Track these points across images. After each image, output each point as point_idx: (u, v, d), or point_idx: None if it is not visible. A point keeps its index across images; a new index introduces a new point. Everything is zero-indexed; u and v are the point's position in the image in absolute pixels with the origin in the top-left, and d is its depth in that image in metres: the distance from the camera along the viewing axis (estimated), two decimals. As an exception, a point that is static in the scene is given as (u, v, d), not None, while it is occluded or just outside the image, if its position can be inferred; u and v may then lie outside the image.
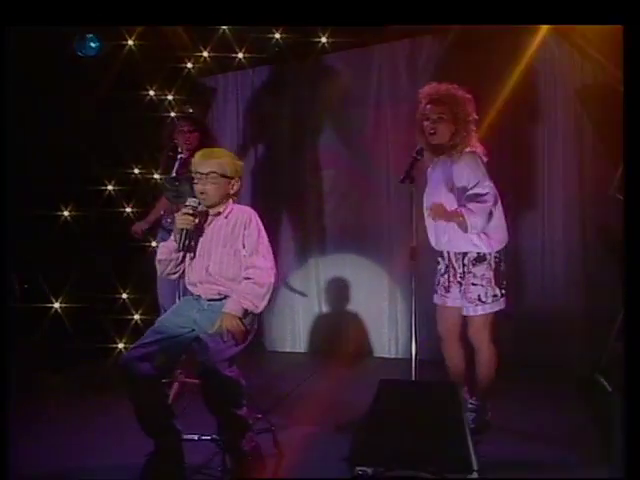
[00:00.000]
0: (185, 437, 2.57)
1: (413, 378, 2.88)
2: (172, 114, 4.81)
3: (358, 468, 1.64)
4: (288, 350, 5.03)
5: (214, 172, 2.59)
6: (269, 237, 5.13)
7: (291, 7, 3.01)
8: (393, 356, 4.74)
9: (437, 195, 3.01)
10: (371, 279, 4.77)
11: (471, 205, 2.87)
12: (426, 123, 2.98)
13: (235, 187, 2.69)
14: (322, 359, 4.69)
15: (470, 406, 3.05)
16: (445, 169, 3.03)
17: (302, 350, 5.00)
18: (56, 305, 4.79)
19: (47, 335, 4.43)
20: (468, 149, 2.98)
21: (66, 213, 5.03)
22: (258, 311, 2.58)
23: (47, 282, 4.71)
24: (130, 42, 4.72)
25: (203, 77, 5.08)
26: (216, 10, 3.01)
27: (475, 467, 1.58)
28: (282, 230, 5.05)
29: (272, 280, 2.60)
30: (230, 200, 2.69)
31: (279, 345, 5.07)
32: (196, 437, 2.65)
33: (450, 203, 2.95)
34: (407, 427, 1.67)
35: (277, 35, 4.63)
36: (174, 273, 2.70)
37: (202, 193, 2.59)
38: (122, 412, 2.50)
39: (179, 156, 3.59)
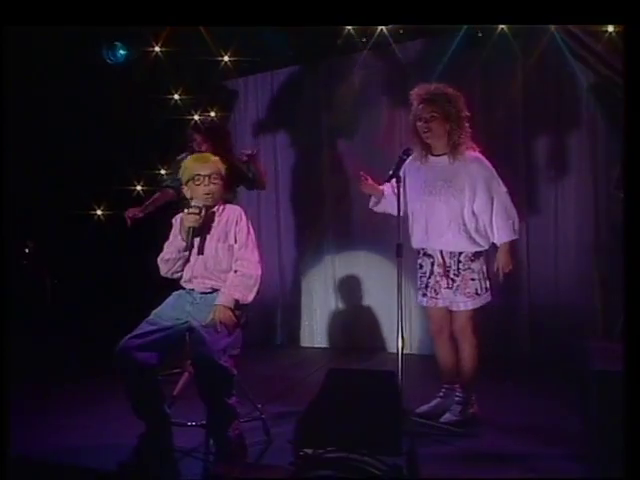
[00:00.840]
0: (176, 421, 2.76)
1: (400, 372, 3.00)
2: (196, 117, 5.03)
3: (300, 450, 1.75)
4: (306, 345, 5.16)
5: (214, 174, 2.80)
6: (288, 236, 5.31)
7: (292, 7, 3.06)
8: (407, 352, 4.78)
9: (433, 194, 3.06)
10: (384, 276, 4.84)
11: (502, 219, 3.03)
12: (419, 123, 3.05)
13: (225, 188, 2.91)
14: (336, 354, 4.81)
15: (457, 398, 3.12)
16: (448, 174, 3.05)
17: (318, 345, 5.11)
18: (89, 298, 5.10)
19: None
20: (470, 153, 3.05)
21: (99, 212, 5.36)
22: (247, 301, 2.78)
23: (79, 278, 5.00)
24: (157, 48, 4.97)
25: (225, 80, 5.25)
26: (213, 10, 3.07)
27: (403, 450, 1.67)
28: (299, 229, 5.19)
29: (259, 272, 2.81)
30: (221, 200, 2.89)
31: (296, 340, 5.21)
32: (188, 423, 2.82)
33: (451, 205, 3.02)
34: (347, 412, 1.77)
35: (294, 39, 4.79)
36: (178, 272, 2.87)
37: (207, 194, 2.79)
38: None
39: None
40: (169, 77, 5.07)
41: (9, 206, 4.62)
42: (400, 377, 2.98)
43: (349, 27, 4.52)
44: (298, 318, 5.22)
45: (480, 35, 4.34)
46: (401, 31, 4.57)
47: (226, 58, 5.02)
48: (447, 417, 3.07)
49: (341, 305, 5.08)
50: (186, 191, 2.85)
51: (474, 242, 3.03)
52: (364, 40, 4.59)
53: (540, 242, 4.43)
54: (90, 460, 2.66)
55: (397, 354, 2.99)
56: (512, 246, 3.13)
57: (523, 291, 4.47)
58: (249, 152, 4.04)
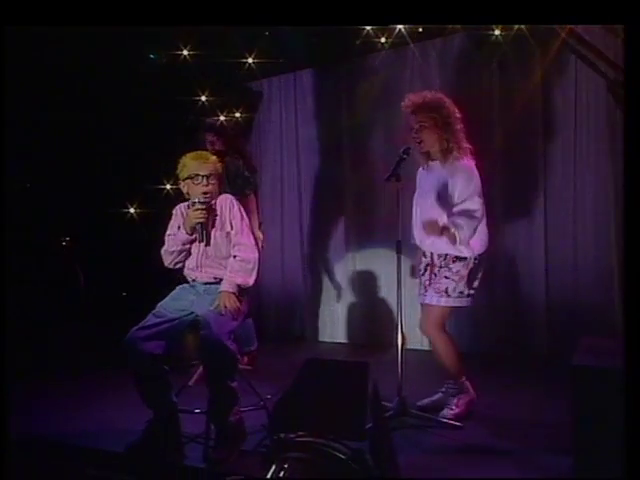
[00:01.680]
0: (184, 409, 2.91)
1: (400, 366, 3.08)
2: (222, 117, 5.19)
3: (274, 434, 1.86)
4: (326, 339, 5.26)
5: (213, 175, 2.94)
6: (309, 233, 5.41)
7: (292, 7, 3.04)
8: (426, 348, 4.83)
9: (428, 199, 3.14)
10: (403, 273, 4.89)
11: (461, 220, 3.01)
12: (412, 134, 3.14)
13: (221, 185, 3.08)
14: (353, 349, 4.90)
15: (451, 391, 3.18)
16: (438, 176, 3.13)
17: (338, 340, 5.21)
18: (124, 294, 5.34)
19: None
20: (460, 160, 3.09)
21: (132, 210, 5.58)
22: (249, 284, 2.91)
23: (114, 272, 5.23)
24: (185, 52, 5.16)
25: (250, 82, 5.40)
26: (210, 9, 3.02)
27: (366, 435, 1.76)
28: (321, 226, 5.30)
29: (256, 255, 2.96)
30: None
31: (315, 334, 5.33)
32: (195, 410, 2.97)
33: (439, 211, 3.08)
34: (320, 400, 1.87)
35: (315, 40, 4.90)
36: (180, 262, 3.04)
37: (206, 193, 2.93)
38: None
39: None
40: (196, 79, 5.26)
41: (50, 204, 4.93)
42: (400, 371, 3.10)
43: (368, 28, 4.62)
44: (319, 313, 5.33)
45: (498, 34, 4.37)
46: (420, 30, 4.63)
47: (250, 60, 5.20)
48: (445, 411, 3.13)
49: (361, 300, 5.16)
50: (183, 187, 2.98)
51: (454, 246, 3.06)
52: (383, 40, 4.68)
53: (558, 242, 4.41)
54: (102, 443, 2.84)
55: (397, 349, 3.11)
56: (444, 230, 3.01)
57: (540, 290, 4.46)
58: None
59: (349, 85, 5.06)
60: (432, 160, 3.17)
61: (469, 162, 3.10)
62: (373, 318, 5.04)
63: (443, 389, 3.27)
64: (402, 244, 3.14)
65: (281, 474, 1.70)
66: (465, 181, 3.05)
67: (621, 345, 2.20)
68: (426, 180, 3.21)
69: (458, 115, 3.11)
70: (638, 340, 2.03)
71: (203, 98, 5.33)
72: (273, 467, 1.74)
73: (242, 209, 3.02)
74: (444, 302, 3.10)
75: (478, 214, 3.04)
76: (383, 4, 3.22)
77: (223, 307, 2.75)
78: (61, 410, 3.47)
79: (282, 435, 1.83)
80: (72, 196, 5.13)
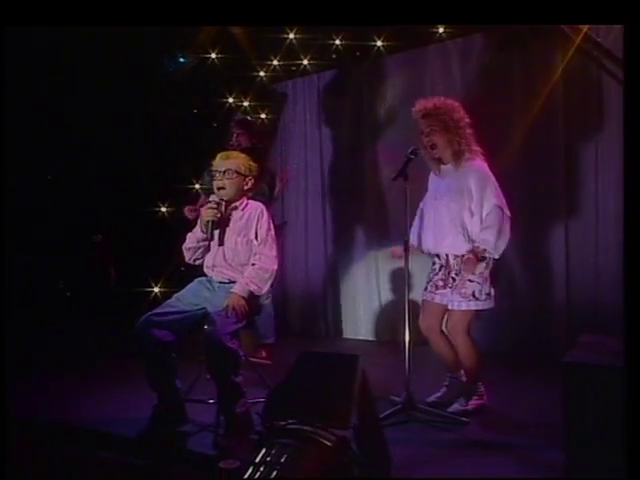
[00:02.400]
0: (198, 399, 3.04)
1: (407, 362, 3.14)
2: (249, 118, 5.33)
3: (267, 422, 1.96)
4: (349, 336, 5.34)
5: (230, 170, 3.04)
6: (333, 232, 5.50)
7: (293, 7, 3.09)
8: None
9: (444, 204, 3.17)
10: (424, 272, 4.93)
11: (487, 235, 3.05)
12: (423, 137, 3.19)
13: (249, 184, 3.14)
14: (379, 346, 4.96)
15: (463, 390, 3.22)
16: (453, 179, 3.17)
17: (362, 337, 5.28)
18: (156, 289, 5.52)
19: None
20: (473, 161, 3.12)
21: (163, 209, 5.77)
22: (262, 293, 3.00)
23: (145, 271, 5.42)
24: (213, 55, 5.32)
25: (275, 84, 5.52)
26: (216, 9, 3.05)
27: (351, 423, 1.84)
28: (345, 226, 5.37)
29: (275, 267, 3.02)
30: (245, 196, 3.12)
31: (339, 332, 5.41)
32: (209, 400, 3.09)
33: (456, 215, 3.12)
34: (311, 390, 1.96)
35: (337, 41, 4.98)
36: (200, 259, 3.16)
37: (221, 188, 3.05)
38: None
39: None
40: (224, 81, 5.42)
41: (77, 203, 5.13)
42: (407, 367, 3.16)
43: (388, 28, 4.68)
44: (342, 311, 5.41)
45: (520, 33, 4.37)
46: (441, 30, 4.66)
47: (275, 62, 5.32)
48: (454, 407, 3.18)
49: (384, 299, 5.22)
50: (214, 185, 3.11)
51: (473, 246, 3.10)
52: (403, 41, 4.73)
53: (580, 242, 4.38)
54: (116, 428, 2.99)
55: (404, 346, 3.17)
56: (479, 255, 3.07)
57: (561, 291, 4.44)
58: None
59: (371, 85, 5.12)
60: (444, 164, 3.21)
61: (482, 163, 3.13)
62: (396, 316, 5.08)
63: (446, 383, 3.32)
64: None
65: (268, 459, 1.79)
66: (480, 181, 3.08)
67: (620, 343, 2.23)
68: (439, 185, 3.24)
69: (468, 120, 3.15)
70: (638, 339, 2.05)
71: (230, 100, 5.51)
72: (262, 452, 1.84)
73: (271, 220, 3.09)
74: (473, 306, 3.12)
75: (497, 219, 3.05)
76: (393, 3, 3.28)
77: (231, 309, 2.84)
78: (80, 396, 3.68)
79: (274, 422, 1.92)
80: (105, 194, 5.34)
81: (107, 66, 4.97)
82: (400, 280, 5.08)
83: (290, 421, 1.91)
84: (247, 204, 3.12)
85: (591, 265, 4.34)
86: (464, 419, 3.08)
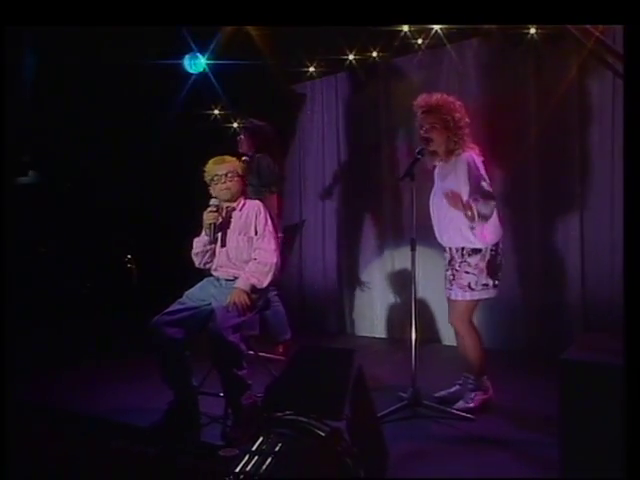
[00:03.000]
0: (210, 392, 3.14)
1: (413, 361, 3.20)
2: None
3: (265, 413, 2.04)
4: (366, 334, 5.39)
5: (230, 172, 3.17)
6: (352, 233, 5.55)
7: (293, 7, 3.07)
8: (449, 343, 4.88)
9: (440, 198, 3.22)
10: (439, 271, 4.96)
11: (479, 197, 3.07)
12: (421, 132, 3.24)
13: (244, 184, 3.29)
14: (393, 343, 5.01)
15: (469, 386, 3.26)
16: (445, 174, 3.25)
17: (377, 335, 5.33)
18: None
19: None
20: (464, 153, 3.17)
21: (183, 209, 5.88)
22: (263, 286, 3.09)
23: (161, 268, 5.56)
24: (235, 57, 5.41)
25: (293, 85, 5.60)
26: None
27: (344, 415, 1.91)
28: (362, 226, 5.43)
29: (274, 260, 3.12)
30: (242, 196, 3.24)
31: (355, 329, 5.47)
32: (220, 394, 3.18)
33: (449, 209, 3.15)
34: (308, 383, 2.04)
35: (354, 42, 5.03)
36: (209, 262, 3.26)
37: (225, 189, 3.16)
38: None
39: (243, 158, 4.17)
40: (243, 83, 5.50)
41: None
42: (414, 364, 3.21)
43: (406, 28, 4.72)
44: (358, 309, 5.47)
45: (534, 33, 4.37)
46: (455, 30, 4.68)
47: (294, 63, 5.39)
48: (460, 403, 3.22)
49: (399, 297, 5.26)
50: (212, 192, 3.22)
51: (468, 239, 3.15)
52: (420, 41, 4.76)
53: (596, 238, 4.37)
54: (130, 418, 3.12)
55: (411, 344, 3.22)
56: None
57: (577, 287, 4.43)
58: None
59: (387, 86, 5.16)
60: (440, 160, 3.27)
61: (470, 154, 3.16)
62: (409, 314, 5.12)
63: (460, 381, 3.36)
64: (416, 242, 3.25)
65: (264, 447, 1.88)
66: (467, 168, 3.12)
67: (620, 341, 2.25)
68: (437, 180, 3.34)
69: (467, 120, 3.20)
70: (638, 338, 2.07)
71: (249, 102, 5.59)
72: (259, 440, 1.92)
73: (269, 216, 3.20)
74: (469, 296, 3.19)
75: (492, 195, 3.10)
76: (407, 4, 3.31)
77: (232, 303, 2.94)
78: (97, 387, 3.85)
79: (272, 413, 2.00)
80: (128, 197, 5.48)
81: (128, 73, 5.10)
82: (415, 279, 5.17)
83: (287, 412, 2.00)
84: (244, 203, 3.25)
85: (607, 263, 4.32)
86: (469, 416, 3.12)
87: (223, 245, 3.17)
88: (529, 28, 4.36)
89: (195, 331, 3.02)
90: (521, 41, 4.44)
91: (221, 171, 3.16)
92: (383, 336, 5.32)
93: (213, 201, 3.16)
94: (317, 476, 1.85)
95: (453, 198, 3.06)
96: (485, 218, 3.08)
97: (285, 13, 3.19)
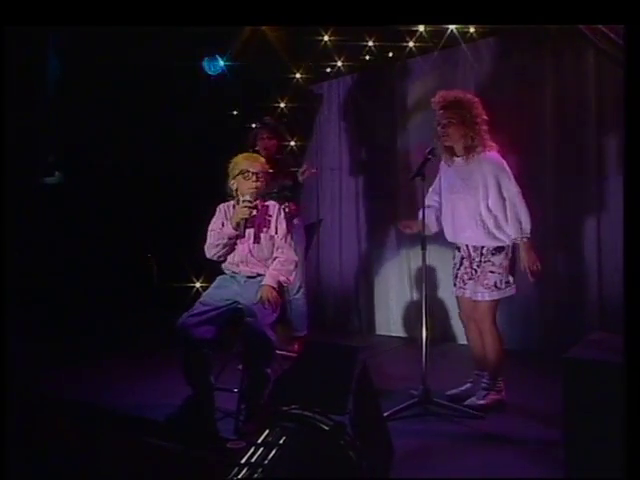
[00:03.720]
0: (224, 387, 3.21)
1: (424, 359, 3.23)
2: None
3: (273, 407, 2.11)
4: (382, 333, 5.43)
5: (262, 172, 3.23)
6: (368, 232, 5.59)
7: (292, 7, 3.08)
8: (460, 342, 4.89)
9: (458, 196, 3.27)
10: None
11: (526, 223, 3.16)
12: (439, 128, 3.27)
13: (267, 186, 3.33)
14: (409, 342, 5.05)
15: (483, 384, 3.28)
16: (465, 172, 3.26)
17: (394, 334, 5.36)
18: (197, 285, 5.75)
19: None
20: (486, 152, 3.19)
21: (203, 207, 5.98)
22: (289, 283, 3.19)
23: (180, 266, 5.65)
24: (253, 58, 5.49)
25: (310, 85, 5.65)
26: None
27: (347, 409, 1.96)
28: (378, 224, 5.47)
29: (296, 258, 3.24)
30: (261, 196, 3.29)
31: (371, 328, 5.51)
32: (234, 390, 3.25)
33: (468, 203, 3.22)
34: (312, 377, 2.10)
35: (370, 42, 5.08)
36: (223, 256, 3.31)
37: (254, 189, 3.21)
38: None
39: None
40: (262, 84, 5.58)
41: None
42: (424, 362, 3.24)
43: (421, 29, 4.75)
44: (375, 307, 5.51)
45: (555, 30, 4.36)
46: (471, 30, 4.69)
47: (310, 64, 5.45)
48: (470, 401, 3.25)
49: (415, 297, 5.29)
50: (232, 184, 3.25)
51: (493, 237, 3.17)
52: (435, 41, 4.79)
53: (612, 238, 4.34)
54: (147, 412, 3.22)
55: (422, 342, 3.26)
56: (532, 244, 3.19)
57: (593, 286, 4.42)
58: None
59: (403, 86, 5.20)
60: (456, 156, 3.28)
61: (493, 153, 3.19)
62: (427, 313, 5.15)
63: (472, 379, 3.39)
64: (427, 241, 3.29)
65: (269, 439, 1.94)
66: (494, 172, 3.16)
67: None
68: (453, 178, 3.33)
69: (485, 117, 3.21)
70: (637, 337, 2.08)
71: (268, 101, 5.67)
72: (265, 433, 1.98)
73: (287, 216, 3.31)
74: (496, 295, 3.23)
75: (523, 200, 3.15)
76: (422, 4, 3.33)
77: (266, 300, 3.01)
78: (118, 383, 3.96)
79: (279, 407, 2.07)
80: (145, 194, 5.59)
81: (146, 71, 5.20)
82: (429, 278, 5.19)
83: (293, 406, 2.06)
84: (265, 204, 3.31)
85: (622, 261, 4.29)
86: (479, 413, 3.14)
87: (256, 241, 3.20)
88: (545, 27, 4.35)
89: (222, 329, 3.08)
90: (538, 41, 4.45)
91: (253, 169, 3.19)
92: (400, 334, 5.35)
93: (247, 196, 3.17)
94: (320, 468, 1.91)
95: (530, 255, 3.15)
96: (529, 226, 3.15)
97: (300, 13, 3.21)
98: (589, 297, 4.47)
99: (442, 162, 3.40)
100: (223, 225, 3.27)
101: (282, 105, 5.61)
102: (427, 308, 3.28)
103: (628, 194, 2.30)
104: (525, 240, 3.16)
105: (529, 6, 2.66)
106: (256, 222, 3.23)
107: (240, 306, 3.11)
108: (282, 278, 3.12)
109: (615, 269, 4.33)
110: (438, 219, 3.42)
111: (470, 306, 3.32)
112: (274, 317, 3.03)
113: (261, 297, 3.02)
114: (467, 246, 3.30)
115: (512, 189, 3.16)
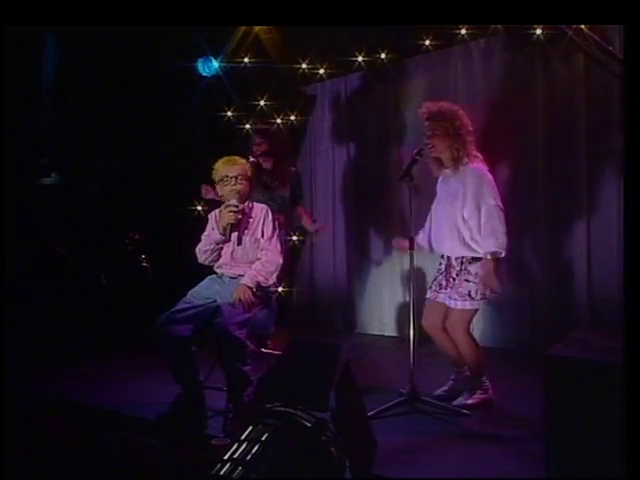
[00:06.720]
0: (215, 386, 3.24)
1: (412, 359, 3.26)
2: (279, 120, 5.51)
3: (256, 404, 2.14)
4: (376, 332, 5.46)
5: (240, 175, 3.23)
6: (361, 233, 5.62)
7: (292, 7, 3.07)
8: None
9: (442, 208, 3.30)
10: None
11: (496, 238, 3.12)
12: (425, 139, 3.30)
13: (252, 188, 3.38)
14: (400, 342, 5.07)
15: (469, 385, 3.32)
16: (452, 183, 3.28)
17: (387, 333, 5.39)
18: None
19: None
20: (471, 164, 3.21)
21: (199, 208, 6.02)
22: (268, 284, 3.19)
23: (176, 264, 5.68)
24: (246, 60, 5.53)
25: (304, 86, 5.68)
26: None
27: (329, 407, 1.99)
28: (371, 225, 5.50)
29: (280, 260, 3.23)
30: (249, 199, 3.33)
31: (367, 328, 5.55)
32: (224, 388, 3.28)
33: (450, 217, 3.23)
34: (295, 375, 2.12)
35: (362, 44, 5.10)
36: (214, 260, 3.34)
37: (235, 192, 3.22)
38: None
39: (250, 159, 4.27)
40: (255, 85, 5.61)
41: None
42: (412, 361, 3.27)
43: (415, 29, 4.78)
44: (368, 308, 5.54)
45: (546, 34, 4.38)
46: (463, 31, 4.72)
47: (304, 65, 5.48)
48: (458, 401, 3.28)
49: (407, 297, 5.29)
50: (218, 190, 3.30)
51: (469, 248, 3.19)
52: (429, 42, 4.82)
53: (602, 239, 4.37)
54: (137, 411, 3.24)
55: (410, 343, 3.28)
56: (496, 264, 3.15)
57: (583, 288, 4.45)
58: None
59: (396, 87, 5.22)
60: (445, 168, 3.31)
61: (479, 164, 3.21)
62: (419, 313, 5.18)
63: (452, 377, 3.43)
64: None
65: (252, 435, 1.97)
66: (476, 183, 3.16)
67: (609, 338, 2.29)
68: (442, 189, 3.37)
69: (470, 128, 3.23)
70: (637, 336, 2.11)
71: (262, 103, 5.70)
72: (248, 430, 2.01)
73: (275, 220, 3.28)
74: (469, 305, 3.23)
75: (500, 215, 3.12)
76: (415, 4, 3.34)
77: (238, 300, 3.03)
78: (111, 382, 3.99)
79: (263, 404, 2.09)
80: (142, 194, 5.61)
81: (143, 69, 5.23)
82: (420, 279, 5.22)
83: (276, 403, 2.08)
84: (252, 207, 3.33)
85: (613, 264, 4.32)
86: (465, 412, 3.17)
87: (239, 244, 3.22)
88: (535, 29, 4.38)
89: (201, 328, 3.10)
90: (528, 42, 4.47)
91: (231, 173, 3.21)
92: (393, 334, 5.38)
93: (232, 201, 3.20)
94: (302, 464, 1.94)
95: (487, 273, 3.13)
96: (504, 244, 3.13)
97: (294, 13, 3.22)
98: (578, 297, 4.49)
99: (439, 178, 3.42)
100: (213, 230, 3.31)
101: (275, 106, 5.66)
102: (415, 308, 3.31)
103: (628, 194, 2.32)
104: (491, 259, 3.12)
105: (529, 6, 2.67)
106: (242, 225, 3.25)
107: (218, 305, 3.13)
108: (261, 278, 3.13)
109: (605, 270, 4.36)
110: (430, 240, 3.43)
111: (440, 312, 3.32)
112: (244, 317, 3.03)
113: (234, 297, 3.04)
114: (449, 257, 3.32)
115: (490, 202, 3.12)
